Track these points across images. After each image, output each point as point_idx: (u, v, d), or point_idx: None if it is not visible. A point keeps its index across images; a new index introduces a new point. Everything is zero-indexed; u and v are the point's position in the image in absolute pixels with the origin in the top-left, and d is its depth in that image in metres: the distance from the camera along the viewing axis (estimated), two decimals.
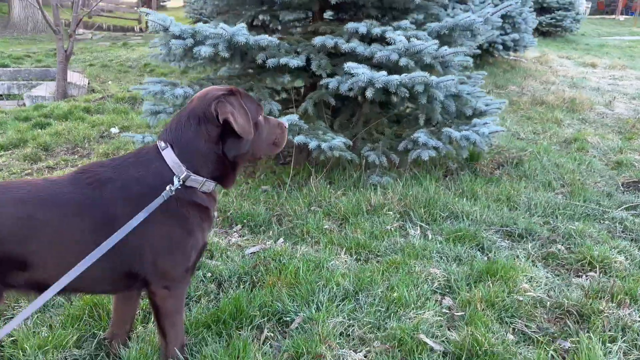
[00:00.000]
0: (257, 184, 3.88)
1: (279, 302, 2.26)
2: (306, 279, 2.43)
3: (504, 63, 9.89)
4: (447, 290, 2.45)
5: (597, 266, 2.69)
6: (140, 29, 18.17)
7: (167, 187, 1.61)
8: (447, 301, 2.35)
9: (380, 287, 2.41)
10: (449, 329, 2.14)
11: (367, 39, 3.87)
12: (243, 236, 3.06)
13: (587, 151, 5.00)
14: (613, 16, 29.28)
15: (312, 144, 3.59)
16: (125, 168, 1.66)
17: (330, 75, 3.81)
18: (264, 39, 3.60)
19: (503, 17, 8.33)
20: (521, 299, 2.34)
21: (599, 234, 3.13)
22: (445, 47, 3.68)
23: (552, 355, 1.99)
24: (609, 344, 2.04)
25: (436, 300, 2.35)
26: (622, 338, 2.08)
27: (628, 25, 24.63)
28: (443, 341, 2.04)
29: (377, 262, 2.70)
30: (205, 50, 3.48)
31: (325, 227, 3.10)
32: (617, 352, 2.00)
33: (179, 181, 1.64)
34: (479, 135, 3.87)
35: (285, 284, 2.41)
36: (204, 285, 2.41)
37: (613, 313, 2.23)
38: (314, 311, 2.20)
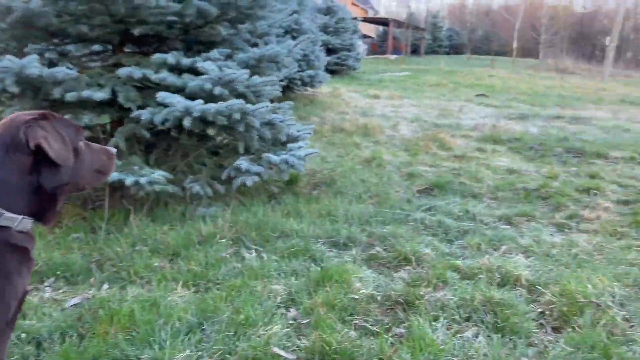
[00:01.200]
0: (65, 233, 3.46)
1: (116, 349, 2.03)
2: (143, 320, 2.24)
3: (303, 97, 10.69)
4: (291, 302, 2.51)
5: (412, 260, 3.05)
6: None
7: None
8: (292, 312, 2.40)
9: (225, 312, 2.34)
10: (298, 338, 2.19)
11: (177, 70, 3.83)
12: (59, 289, 2.69)
13: (385, 167, 5.67)
14: (385, 56, 33.93)
15: (129, 180, 3.36)
16: None
17: (141, 108, 3.66)
18: (60, 71, 3.30)
19: (299, 54, 9.03)
20: (356, 297, 2.52)
21: (407, 233, 3.55)
22: (257, 76, 3.84)
23: (391, 342, 2.18)
24: (434, 323, 2.32)
25: (282, 314, 2.38)
26: (443, 315, 2.38)
27: (398, 64, 28.84)
28: (295, 350, 2.08)
29: (218, 289, 2.63)
30: None
31: (155, 264, 2.91)
32: (441, 327, 2.28)
33: None
34: (296, 159, 4.10)
35: (120, 329, 2.18)
36: (19, 348, 2.04)
37: (432, 296, 2.54)
38: (157, 350, 2.03)
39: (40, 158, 1.49)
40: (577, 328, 2.21)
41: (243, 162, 3.92)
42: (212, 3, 3.80)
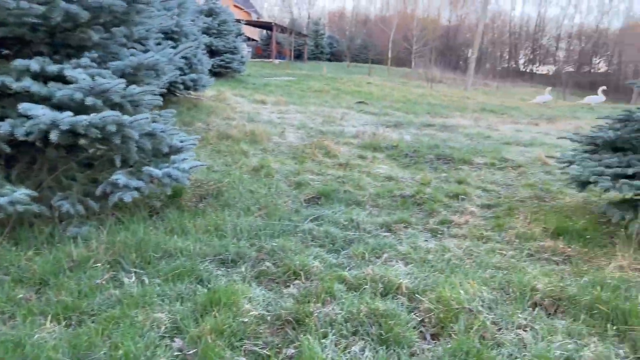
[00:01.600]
0: None
1: None
2: None
3: (186, 101, 10.31)
4: (176, 331, 2.39)
5: (301, 274, 3.08)
6: None
7: None
8: (178, 343, 2.29)
9: (102, 348, 2.16)
10: None
11: (42, 77, 3.46)
12: None
13: (273, 176, 5.66)
14: (270, 60, 34.02)
15: None
16: None
17: (0, 119, 3.25)
18: None
19: (181, 58, 8.69)
20: (246, 320, 2.47)
21: (296, 246, 3.58)
22: (134, 86, 3.61)
23: None
24: (323, 340, 2.36)
25: (166, 345, 2.26)
26: (331, 331, 2.43)
27: (282, 68, 29.10)
28: None
29: (93, 322, 2.42)
30: None
31: (20, 296, 2.60)
32: (330, 344, 2.33)
33: None
34: (180, 171, 3.92)
35: None
36: None
37: (321, 312, 2.58)
38: None
39: None
40: (453, 335, 2.38)
41: (120, 177, 3.67)
42: (82, 6, 3.50)
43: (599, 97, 20.23)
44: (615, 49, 50.47)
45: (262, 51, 39.65)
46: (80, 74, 3.39)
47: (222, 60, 16.19)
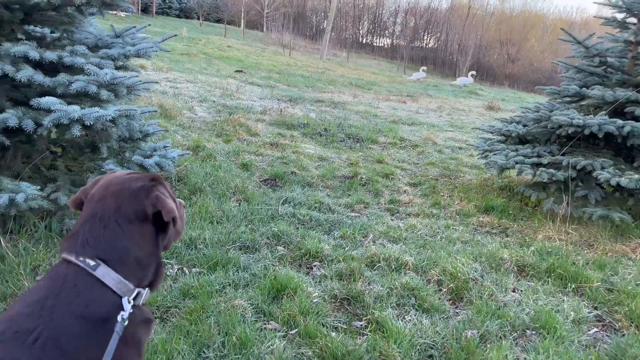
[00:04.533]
0: None
1: None
2: None
3: None
4: (261, 315, 2.68)
5: (317, 256, 3.49)
6: None
7: (119, 317, 1.26)
8: (274, 325, 2.60)
9: (218, 337, 2.39)
10: None
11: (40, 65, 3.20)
12: None
13: (215, 157, 5.77)
14: (116, 12, 31.13)
15: (4, 199, 2.79)
16: (53, 309, 1.18)
17: None
18: None
19: None
20: (315, 301, 2.86)
21: (295, 230, 3.94)
22: (135, 73, 3.53)
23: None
24: (384, 313, 2.87)
25: (263, 328, 2.56)
26: (385, 305, 2.95)
27: (130, 22, 26.93)
28: None
29: (179, 315, 2.58)
30: None
31: None
32: (391, 315, 2.85)
33: (130, 302, 1.30)
34: (168, 160, 3.95)
35: None
36: None
37: (368, 290, 3.07)
38: None
39: (158, 227, 1.43)
40: (472, 300, 3.08)
41: (112, 166, 3.61)
42: None
43: (467, 79, 23.39)
44: (443, 27, 56.70)
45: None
46: (86, 64, 3.22)
47: None
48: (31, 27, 3.33)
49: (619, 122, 4.35)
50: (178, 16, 43.27)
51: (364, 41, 62.88)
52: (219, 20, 43.39)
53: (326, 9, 40.06)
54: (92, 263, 1.26)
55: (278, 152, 6.38)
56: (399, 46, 53.32)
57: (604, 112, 4.60)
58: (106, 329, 1.22)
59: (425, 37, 58.43)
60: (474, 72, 24.18)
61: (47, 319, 1.16)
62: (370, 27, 63.18)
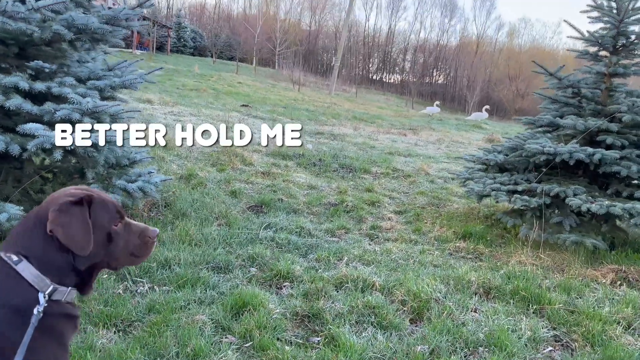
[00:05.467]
0: None
1: None
2: None
3: None
4: (220, 330, 2.80)
5: (288, 277, 3.62)
6: None
7: (35, 310, 1.41)
8: (230, 339, 2.72)
9: (173, 348, 2.51)
10: None
11: (29, 95, 3.47)
12: None
13: (205, 185, 5.97)
14: (131, 50, 32.28)
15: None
16: None
17: None
18: None
19: None
20: (275, 316, 2.97)
21: (270, 253, 4.08)
22: (118, 103, 3.78)
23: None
24: (341, 329, 2.97)
25: (221, 341, 2.68)
26: (344, 322, 3.05)
27: (145, 60, 27.89)
28: None
29: (141, 328, 2.71)
30: None
31: None
32: (348, 332, 2.95)
33: (45, 297, 1.45)
34: (151, 185, 4.15)
35: None
36: None
37: (329, 307, 3.18)
38: None
39: None
40: (431, 318, 3.16)
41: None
42: (67, 26, 3.57)
43: (482, 114, 23.73)
44: (452, 63, 57.65)
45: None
46: (71, 93, 3.48)
47: None
48: (34, 62, 3.59)
49: (589, 150, 4.47)
50: (192, 54, 44.64)
51: (374, 77, 64.09)
52: (231, 58, 44.64)
53: (336, 46, 41.11)
54: (15, 258, 1.43)
55: (269, 181, 6.58)
56: (409, 82, 54.15)
57: (575, 140, 4.73)
58: (21, 318, 1.38)
59: (435, 73, 59.40)
60: (487, 107, 24.48)
61: None
62: (380, 64, 64.40)
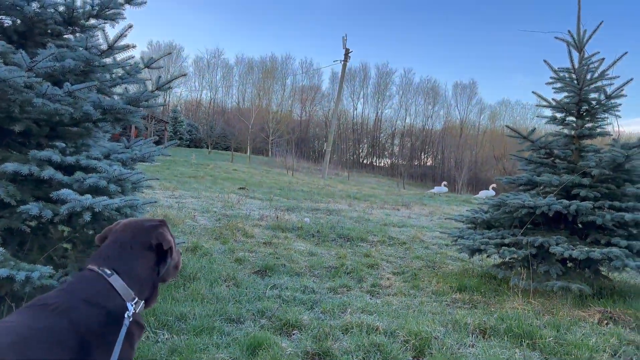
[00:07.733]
0: None
1: None
2: None
3: None
4: None
5: (296, 325, 3.86)
6: None
7: (126, 315, 1.75)
8: None
9: None
10: None
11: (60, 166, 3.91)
12: None
13: (211, 255, 6.28)
14: None
15: (20, 276, 3.30)
16: (72, 294, 1.69)
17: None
18: None
19: None
20: (287, 354, 3.21)
21: (279, 307, 4.33)
22: (139, 170, 4.23)
23: None
24: None
25: None
26: (352, 358, 3.28)
27: None
28: None
29: None
30: None
31: None
32: None
33: (132, 306, 1.79)
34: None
35: None
36: None
37: (338, 346, 3.42)
38: None
39: (159, 257, 1.95)
40: (432, 353, 3.40)
41: None
42: (96, 106, 4.11)
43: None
44: (438, 146, 59.81)
45: (120, 135, 38.89)
46: (99, 163, 3.93)
47: None
48: (57, 142, 4.09)
49: (565, 202, 4.92)
50: (188, 146, 46.25)
51: (365, 161, 65.97)
52: (226, 148, 46.19)
53: (327, 134, 42.89)
54: (108, 272, 1.78)
55: (271, 249, 6.89)
56: (399, 165, 55.78)
57: (552, 195, 5.18)
58: (112, 320, 1.70)
59: (423, 156, 61.40)
60: (494, 185, 25.40)
61: (65, 298, 1.65)
62: (370, 149, 66.59)
